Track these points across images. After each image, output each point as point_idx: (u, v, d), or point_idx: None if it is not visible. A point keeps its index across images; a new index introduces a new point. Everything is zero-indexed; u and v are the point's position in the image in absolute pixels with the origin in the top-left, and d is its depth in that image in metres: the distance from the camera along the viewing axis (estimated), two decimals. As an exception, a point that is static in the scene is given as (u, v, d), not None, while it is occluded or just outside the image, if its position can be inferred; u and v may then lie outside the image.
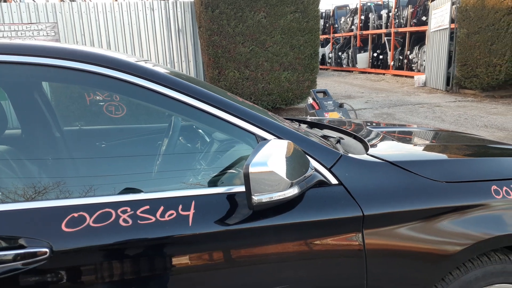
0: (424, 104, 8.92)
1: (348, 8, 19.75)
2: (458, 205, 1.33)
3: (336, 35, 19.83)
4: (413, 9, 14.09)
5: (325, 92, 6.06)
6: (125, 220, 1.10)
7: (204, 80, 7.39)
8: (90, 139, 1.95)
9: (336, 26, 19.78)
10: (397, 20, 14.99)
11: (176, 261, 1.14)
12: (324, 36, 19.97)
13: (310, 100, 6.10)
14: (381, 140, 1.75)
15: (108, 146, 1.90)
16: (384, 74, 15.47)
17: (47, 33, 7.28)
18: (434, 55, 11.31)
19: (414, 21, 13.91)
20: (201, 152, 1.79)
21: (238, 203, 1.19)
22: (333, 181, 1.27)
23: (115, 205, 1.12)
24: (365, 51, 17.09)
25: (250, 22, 7.32)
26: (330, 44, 20.10)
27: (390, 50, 15.32)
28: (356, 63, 17.05)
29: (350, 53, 17.74)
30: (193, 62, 8.14)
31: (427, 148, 1.76)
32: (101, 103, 2.21)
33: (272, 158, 1.08)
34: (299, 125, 1.98)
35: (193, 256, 1.16)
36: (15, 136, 1.62)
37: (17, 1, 10.42)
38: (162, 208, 1.14)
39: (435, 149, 1.76)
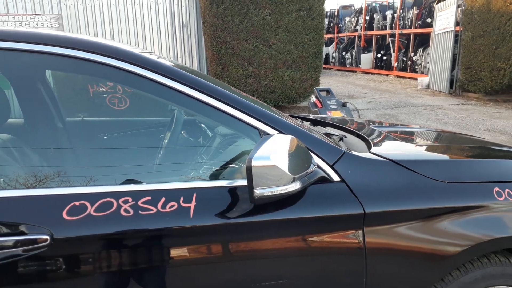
0: (427, 106, 8.91)
1: (353, 8, 19.71)
2: (459, 205, 1.33)
3: (340, 34, 19.79)
4: (418, 10, 14.05)
5: (328, 91, 6.05)
6: (126, 210, 1.10)
7: (207, 76, 7.35)
8: (92, 131, 1.95)
9: (341, 25, 19.75)
10: (402, 22, 14.95)
11: (176, 252, 1.14)
12: (328, 36, 19.92)
13: (313, 98, 6.09)
14: (384, 139, 1.75)
15: (110, 137, 1.90)
16: (387, 75, 15.44)
17: (51, 24, 7.27)
18: (438, 57, 11.28)
19: (419, 22, 13.87)
20: (203, 146, 1.78)
21: (239, 197, 1.19)
22: (335, 178, 1.26)
23: (117, 195, 1.12)
24: (369, 51, 17.05)
25: (254, 19, 7.31)
26: (334, 44, 20.06)
27: (394, 51, 15.29)
28: (360, 64, 17.02)
29: (354, 53, 17.70)
30: (196, 58, 8.12)
31: (430, 148, 1.75)
32: (104, 95, 2.21)
33: (275, 152, 1.07)
34: (302, 122, 1.98)
35: (193, 248, 1.15)
36: (18, 125, 1.62)
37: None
38: (163, 199, 1.13)
39: (438, 149, 1.75)
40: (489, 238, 1.33)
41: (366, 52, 17.12)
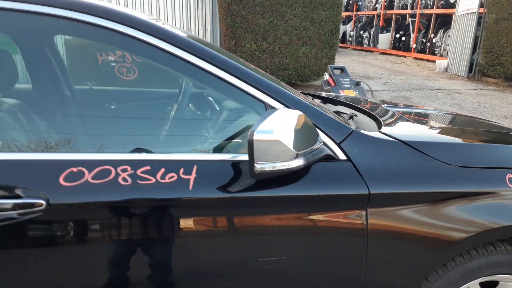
0: (444, 89, 8.69)
1: (374, -15, 19.08)
2: (469, 191, 1.29)
3: (359, 13, 19.26)
4: (441, -11, 13.54)
5: (342, 69, 5.92)
6: (124, 179, 1.09)
7: (220, 50, 7.26)
8: (98, 99, 1.94)
9: (360, 3, 19.20)
10: (423, 1, 14.45)
11: (173, 224, 1.13)
12: (347, 13, 19.41)
13: (326, 76, 5.99)
14: (396, 119, 1.70)
15: (116, 107, 1.89)
16: (405, 56, 15.06)
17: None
18: (459, 39, 10.93)
19: (442, 2, 13.39)
20: (209, 119, 1.76)
21: (241, 171, 1.17)
22: (342, 156, 1.23)
23: (115, 163, 1.10)
24: (387, 31, 16.60)
25: (271, -8, 7.12)
26: (352, 22, 19.55)
27: (413, 32, 14.84)
28: (377, 44, 16.60)
29: (372, 33, 17.26)
30: (210, 31, 8.00)
31: (443, 130, 1.70)
32: (112, 64, 2.18)
33: (278, 126, 1.04)
34: (313, 99, 1.93)
35: (191, 221, 1.14)
36: (24, 90, 1.61)
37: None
38: (163, 170, 1.12)
39: (451, 132, 1.70)
40: (497, 226, 1.30)
41: (384, 32, 16.67)
